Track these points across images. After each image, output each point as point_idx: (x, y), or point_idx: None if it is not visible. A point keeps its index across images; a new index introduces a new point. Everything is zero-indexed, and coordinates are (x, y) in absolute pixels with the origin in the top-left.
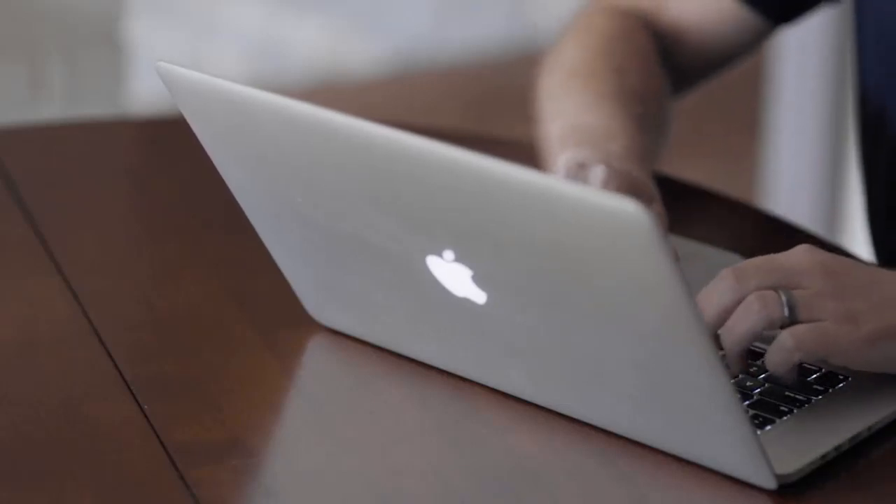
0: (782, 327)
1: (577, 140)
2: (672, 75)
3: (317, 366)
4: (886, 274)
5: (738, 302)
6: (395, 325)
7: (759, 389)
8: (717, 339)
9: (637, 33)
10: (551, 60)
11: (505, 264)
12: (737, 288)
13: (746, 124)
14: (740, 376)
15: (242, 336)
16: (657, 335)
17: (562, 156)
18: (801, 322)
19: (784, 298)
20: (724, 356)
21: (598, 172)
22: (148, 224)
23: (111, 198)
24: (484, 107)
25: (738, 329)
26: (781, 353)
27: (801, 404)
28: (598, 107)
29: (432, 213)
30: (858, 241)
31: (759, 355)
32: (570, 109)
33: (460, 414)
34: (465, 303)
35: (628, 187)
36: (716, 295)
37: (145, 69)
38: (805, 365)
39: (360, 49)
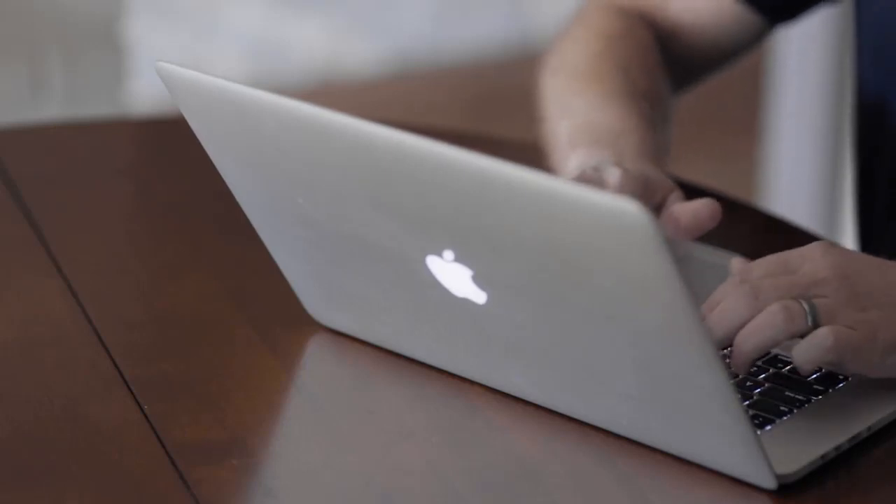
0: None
1: (589, 139)
2: (671, 73)
3: (317, 366)
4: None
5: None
6: (395, 325)
7: (759, 389)
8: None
9: (638, 31)
10: (553, 60)
11: (505, 264)
12: (754, 305)
13: (746, 124)
14: (740, 376)
15: (242, 336)
16: (657, 335)
17: (573, 155)
18: None
19: (807, 308)
20: (726, 355)
21: (613, 174)
22: (148, 224)
23: (111, 198)
24: (484, 107)
25: (756, 338)
26: (817, 350)
27: (801, 404)
28: (607, 105)
29: (432, 213)
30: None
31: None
32: (578, 108)
33: (460, 414)
34: (465, 303)
35: (643, 188)
36: (731, 309)
37: (145, 69)
38: None
39: (360, 49)
